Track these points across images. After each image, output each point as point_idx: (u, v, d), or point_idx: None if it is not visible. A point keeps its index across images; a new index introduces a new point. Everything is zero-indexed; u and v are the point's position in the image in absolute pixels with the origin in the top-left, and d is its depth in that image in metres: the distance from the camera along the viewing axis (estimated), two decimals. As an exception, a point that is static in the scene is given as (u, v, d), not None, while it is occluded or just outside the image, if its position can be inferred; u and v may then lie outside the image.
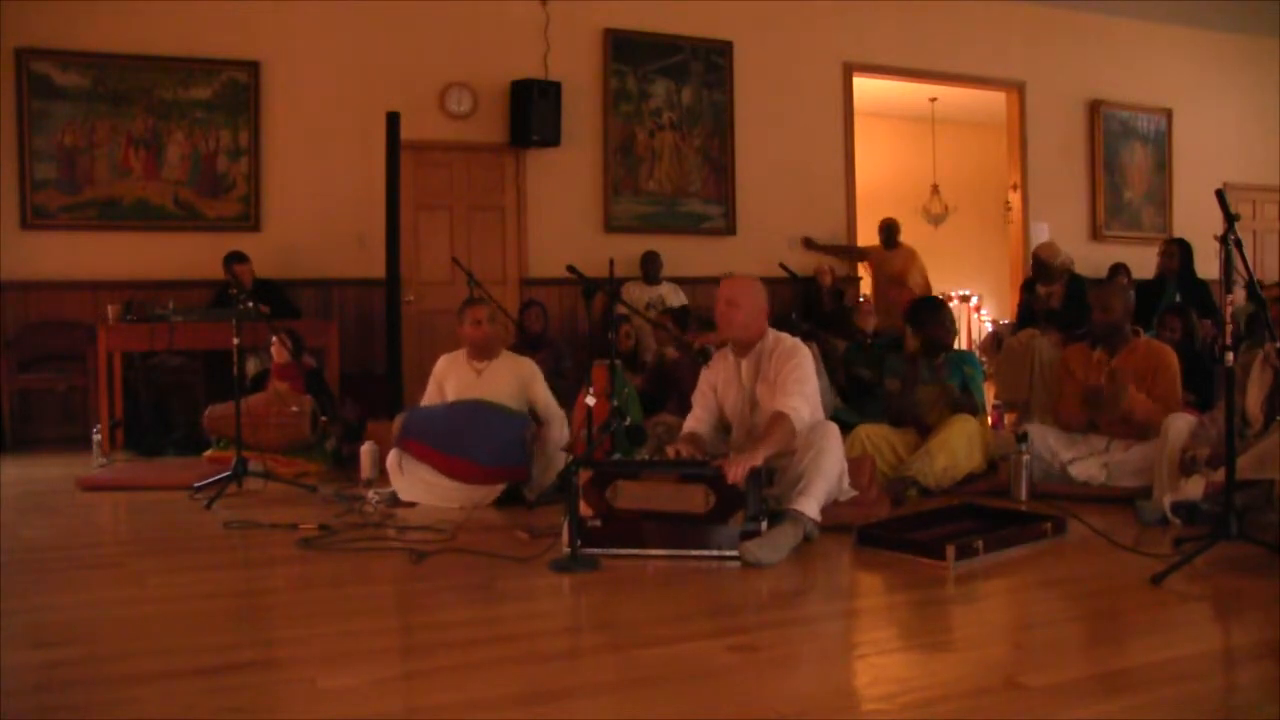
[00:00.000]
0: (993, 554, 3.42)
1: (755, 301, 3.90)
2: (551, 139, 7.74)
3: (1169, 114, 10.37)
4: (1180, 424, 4.12)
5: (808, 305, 7.94)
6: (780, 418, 3.63)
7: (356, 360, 7.18)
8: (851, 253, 8.81)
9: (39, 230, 6.81)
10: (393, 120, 6.40)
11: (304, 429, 5.59)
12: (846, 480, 3.86)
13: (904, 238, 9.08)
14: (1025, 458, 4.43)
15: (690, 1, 8.36)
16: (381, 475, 4.68)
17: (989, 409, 5.41)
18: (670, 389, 5.65)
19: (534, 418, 4.82)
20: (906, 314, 5.43)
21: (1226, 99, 10.55)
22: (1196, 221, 9.01)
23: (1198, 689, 2.30)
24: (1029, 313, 7.44)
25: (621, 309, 6.09)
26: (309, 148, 7.32)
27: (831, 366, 6.39)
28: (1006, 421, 6.27)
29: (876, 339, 6.92)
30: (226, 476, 4.66)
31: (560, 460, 4.47)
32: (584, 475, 3.47)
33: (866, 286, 9.00)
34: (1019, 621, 3.01)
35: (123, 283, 6.83)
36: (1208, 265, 7.25)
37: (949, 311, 5.29)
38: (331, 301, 7.41)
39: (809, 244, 8.64)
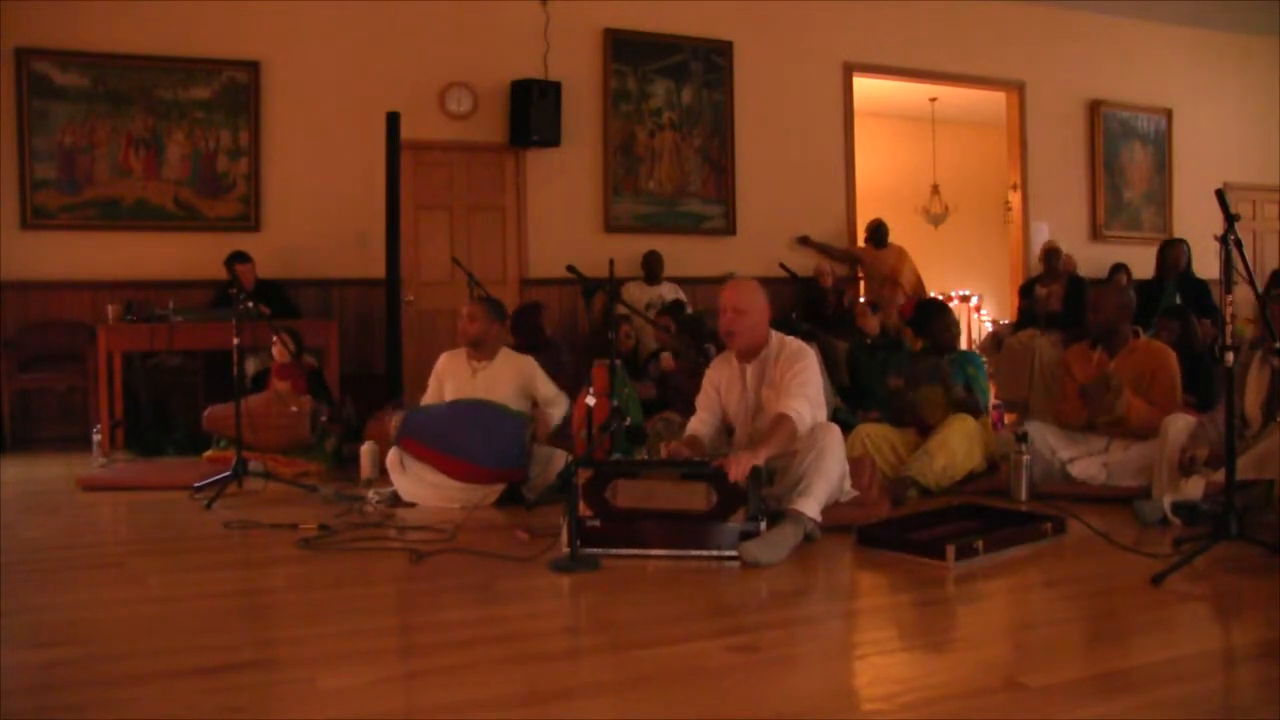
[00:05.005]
0: (993, 554, 3.42)
1: (760, 307, 3.88)
2: (551, 139, 7.73)
3: (1169, 114, 10.36)
4: (1180, 424, 4.12)
5: (809, 305, 7.94)
6: (782, 419, 3.62)
7: (356, 360, 7.18)
8: (840, 254, 8.80)
9: (39, 230, 6.81)
10: (393, 120, 6.41)
11: (304, 429, 5.60)
12: (848, 481, 3.86)
13: (905, 238, 9.08)
14: (1025, 458, 4.43)
15: (690, 1, 8.35)
16: (382, 475, 4.68)
17: (990, 409, 5.41)
18: (675, 396, 5.63)
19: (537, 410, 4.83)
20: (910, 317, 5.44)
21: (1226, 99, 10.55)
22: (1196, 221, 9.02)
23: (1198, 689, 2.30)
24: (1029, 315, 7.45)
25: (621, 309, 6.09)
26: (309, 148, 7.32)
27: (832, 367, 6.38)
28: (1006, 421, 6.28)
29: (881, 339, 6.91)
30: (226, 476, 4.67)
31: (560, 460, 4.47)
32: (584, 475, 3.48)
33: (862, 287, 9.00)
34: (1019, 621, 3.01)
35: (123, 283, 6.82)
36: (1208, 265, 7.26)
37: (952, 314, 5.30)
38: (331, 301, 7.41)
39: (804, 241, 8.63)
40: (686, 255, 8.20)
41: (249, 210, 7.23)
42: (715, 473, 3.43)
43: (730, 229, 8.49)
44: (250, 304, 5.07)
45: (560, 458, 4.50)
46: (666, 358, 5.94)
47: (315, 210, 7.30)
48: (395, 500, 4.48)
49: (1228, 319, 3.22)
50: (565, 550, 3.36)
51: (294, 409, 5.60)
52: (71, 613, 2.94)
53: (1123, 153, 10.16)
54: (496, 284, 7.54)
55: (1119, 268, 8.68)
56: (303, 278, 7.26)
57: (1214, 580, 3.16)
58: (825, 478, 3.60)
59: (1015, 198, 9.83)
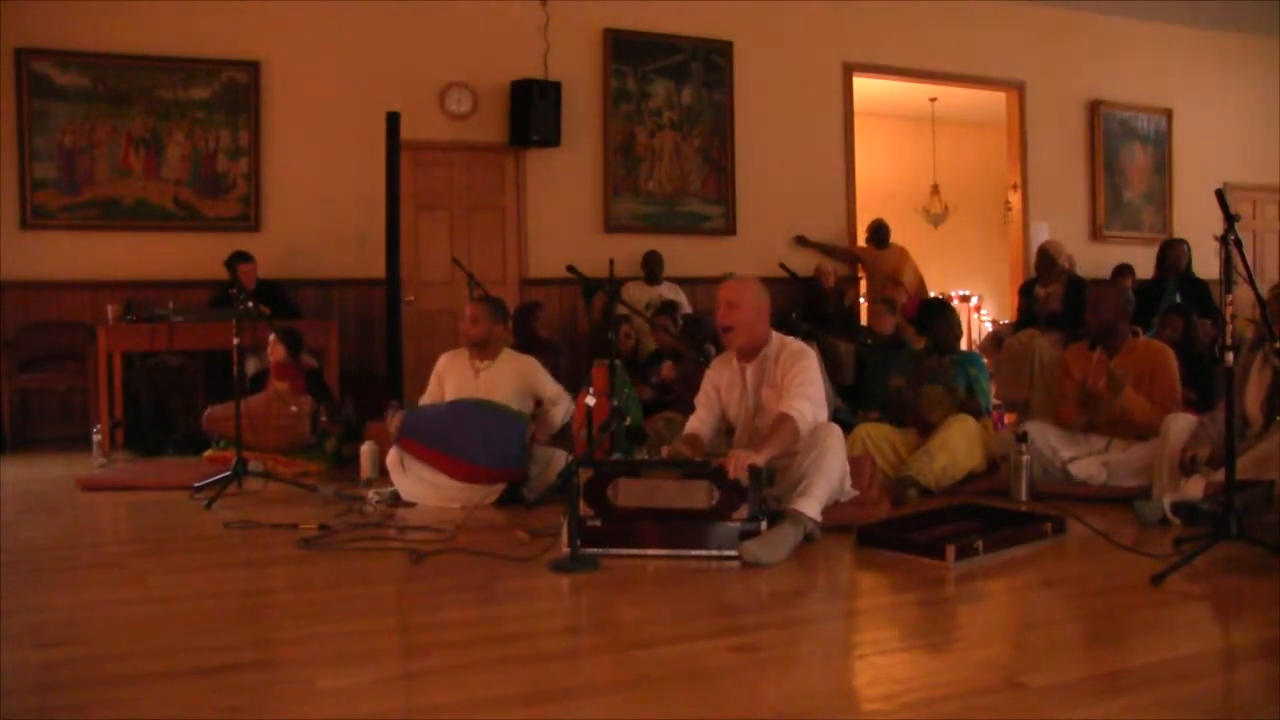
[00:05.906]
0: (993, 554, 3.42)
1: (756, 303, 3.88)
2: (551, 139, 7.73)
3: (1169, 114, 10.36)
4: (1180, 424, 4.12)
5: (809, 305, 7.93)
6: (784, 419, 3.62)
7: (356, 360, 7.18)
8: (841, 253, 8.80)
9: (39, 230, 6.81)
10: (393, 120, 6.40)
11: (304, 429, 5.59)
12: (848, 481, 3.86)
13: (905, 238, 9.08)
14: (1025, 458, 4.43)
15: (690, 1, 8.35)
16: (382, 475, 4.68)
17: (991, 410, 5.41)
18: (675, 397, 5.62)
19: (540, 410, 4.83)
20: (913, 317, 5.44)
21: (1226, 99, 10.54)
22: (1196, 221, 9.02)
23: (1198, 689, 2.30)
24: (1029, 315, 7.44)
25: (621, 309, 6.08)
26: (309, 148, 7.32)
27: (833, 367, 6.37)
28: (1007, 421, 6.27)
29: (883, 339, 6.91)
30: (226, 476, 4.66)
31: (560, 460, 4.47)
32: (584, 475, 3.47)
33: (863, 287, 9.00)
34: (1019, 621, 3.01)
35: (123, 283, 6.82)
36: (1208, 265, 7.25)
37: (955, 314, 5.30)
38: (331, 301, 7.41)
39: (802, 241, 8.64)
40: (686, 255, 8.20)
41: (249, 210, 7.24)
42: (717, 471, 3.43)
43: (730, 229, 8.48)
44: (250, 304, 5.07)
45: (560, 458, 4.50)
46: (668, 367, 5.93)
47: (315, 210, 7.31)
48: (395, 500, 4.48)
49: (1228, 319, 3.22)
50: (565, 550, 3.36)
51: (294, 409, 5.60)
52: (71, 613, 2.94)
53: (1123, 153, 10.16)
54: (496, 284, 7.54)
55: (1123, 269, 8.65)
56: (303, 278, 7.27)
57: (1214, 580, 3.15)
58: (826, 478, 3.59)
59: (1015, 198, 9.83)
